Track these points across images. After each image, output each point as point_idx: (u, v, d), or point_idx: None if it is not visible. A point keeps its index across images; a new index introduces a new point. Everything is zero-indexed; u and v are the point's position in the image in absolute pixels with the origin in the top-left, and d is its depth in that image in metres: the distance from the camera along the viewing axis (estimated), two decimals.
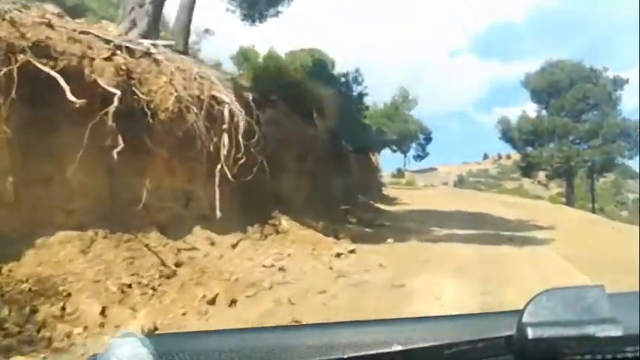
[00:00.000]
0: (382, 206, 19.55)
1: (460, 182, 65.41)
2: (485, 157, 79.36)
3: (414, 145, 57.44)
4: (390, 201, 24.06)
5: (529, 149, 37.80)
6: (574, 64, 36.24)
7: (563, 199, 42.39)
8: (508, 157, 67.15)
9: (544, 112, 37.18)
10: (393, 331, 0.80)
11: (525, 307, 0.75)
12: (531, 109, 38.04)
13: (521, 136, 36.90)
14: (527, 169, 39.15)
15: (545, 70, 36.80)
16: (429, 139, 58.88)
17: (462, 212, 18.30)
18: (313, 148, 12.67)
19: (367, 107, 18.98)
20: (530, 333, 0.71)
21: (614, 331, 0.70)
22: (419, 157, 58.68)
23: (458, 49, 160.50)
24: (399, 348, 0.75)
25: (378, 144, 25.18)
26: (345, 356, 0.75)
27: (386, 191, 30.86)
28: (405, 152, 56.51)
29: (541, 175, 44.34)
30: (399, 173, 55.49)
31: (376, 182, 29.61)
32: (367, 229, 11.91)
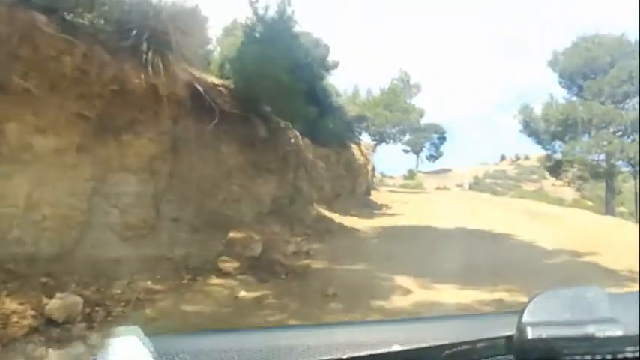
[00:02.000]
0: (349, 221, 12.94)
1: (476, 184, 59.36)
2: (503, 158, 72.62)
3: (427, 144, 54.37)
4: (373, 211, 17.46)
5: (558, 144, 30.54)
6: (615, 38, 28.83)
7: (589, 203, 35.63)
8: (527, 158, 61.81)
9: (575, 99, 30.03)
10: (393, 331, 0.79)
11: (525, 307, 0.74)
12: (560, 95, 30.76)
13: (548, 128, 29.56)
14: (555, 168, 31.80)
15: (578, 46, 29.37)
16: (442, 139, 54.91)
17: (469, 233, 11.64)
18: (161, 114, 6.23)
19: (313, 65, 12.41)
20: (530, 333, 0.71)
21: (614, 331, 0.70)
22: (432, 158, 55.03)
23: (477, 50, 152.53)
24: (399, 348, 0.74)
25: (353, 132, 18.56)
26: (345, 356, 0.73)
27: (377, 196, 24.49)
28: (417, 152, 54.29)
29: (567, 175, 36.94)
30: (410, 174, 51.28)
31: (364, 184, 23.38)
32: (243, 293, 5.40)
